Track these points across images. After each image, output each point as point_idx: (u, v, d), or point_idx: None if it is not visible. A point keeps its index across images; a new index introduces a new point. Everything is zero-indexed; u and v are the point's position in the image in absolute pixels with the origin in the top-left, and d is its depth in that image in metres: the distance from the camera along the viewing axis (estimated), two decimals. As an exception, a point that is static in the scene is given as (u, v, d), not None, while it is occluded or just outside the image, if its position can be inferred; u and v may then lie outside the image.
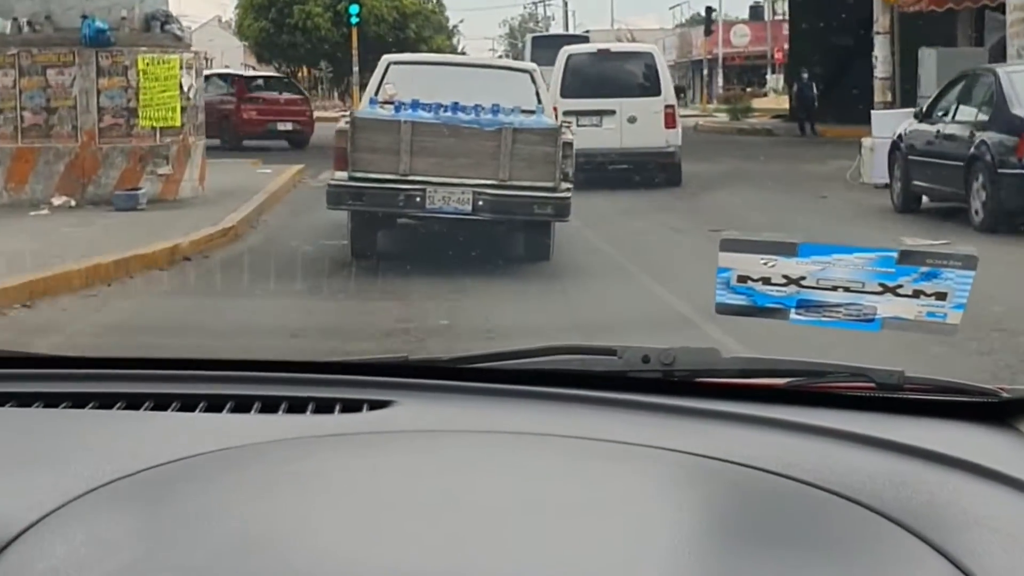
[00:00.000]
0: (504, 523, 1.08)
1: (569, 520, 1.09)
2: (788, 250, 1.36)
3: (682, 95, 56.07)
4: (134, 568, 0.96)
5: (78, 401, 1.37)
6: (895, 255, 1.34)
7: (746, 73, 49.29)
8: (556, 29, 60.73)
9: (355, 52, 35.29)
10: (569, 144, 8.42)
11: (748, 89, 46.37)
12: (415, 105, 8.42)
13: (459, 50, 60.64)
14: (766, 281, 1.37)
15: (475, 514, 1.10)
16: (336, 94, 44.14)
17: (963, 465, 1.23)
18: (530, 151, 8.18)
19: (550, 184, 8.13)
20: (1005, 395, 1.37)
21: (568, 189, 8.36)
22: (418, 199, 8.21)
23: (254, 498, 1.13)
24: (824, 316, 1.37)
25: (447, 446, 1.30)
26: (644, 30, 66.66)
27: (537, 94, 9.45)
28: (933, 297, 1.33)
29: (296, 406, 1.38)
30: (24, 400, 1.37)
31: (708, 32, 44.43)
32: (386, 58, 10.04)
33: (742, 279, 1.37)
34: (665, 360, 1.42)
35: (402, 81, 9.21)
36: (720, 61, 47.84)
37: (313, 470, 1.21)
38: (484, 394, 1.42)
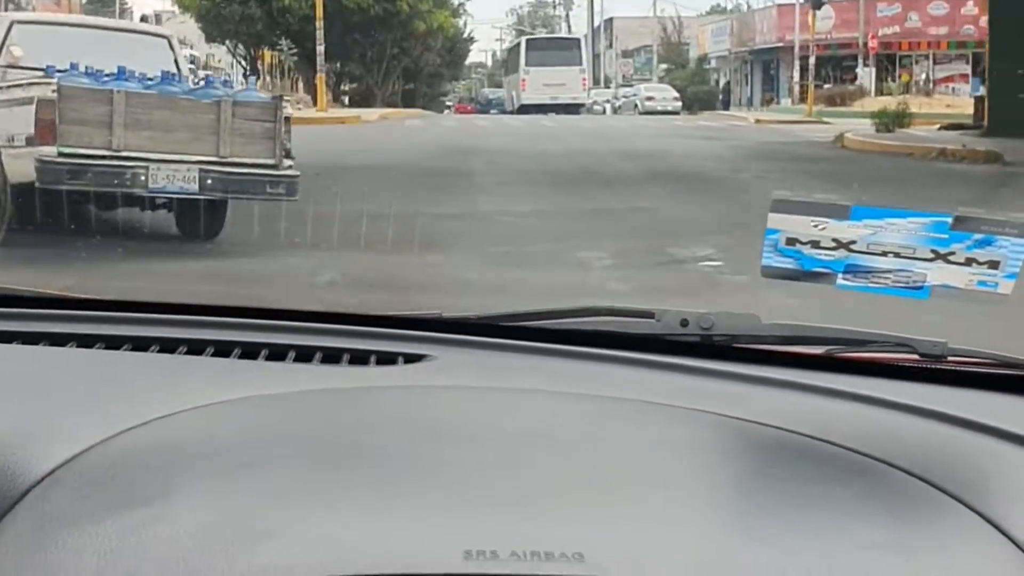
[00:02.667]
0: (539, 479, 1.14)
1: (606, 477, 1.15)
2: (840, 212, 1.41)
3: (725, 94, 53.63)
4: (177, 502, 1.04)
5: (112, 343, 1.48)
6: (949, 220, 1.39)
7: (826, 65, 44.31)
8: (579, 14, 57.50)
9: (319, 26, 30.52)
10: (289, 119, 8.91)
11: (842, 86, 41.50)
12: (69, 71, 8.34)
13: (467, 33, 56.70)
14: (815, 244, 1.42)
15: (511, 469, 1.16)
16: (303, 84, 39.21)
17: (1007, 436, 1.30)
18: (249, 126, 8.57)
19: (271, 161, 8.54)
20: None
21: (292, 167, 8.66)
22: (141, 177, 8.19)
23: (291, 445, 1.20)
24: (872, 282, 1.42)
25: (484, 401, 1.39)
26: (694, 16, 62.46)
27: (176, 61, 9.86)
28: (986, 265, 1.38)
29: (331, 356, 1.47)
30: (58, 340, 1.48)
31: (818, 5, 37.99)
32: (7, 16, 10.28)
33: (790, 241, 1.43)
34: (704, 324, 1.52)
35: (31, 43, 9.13)
36: (796, 50, 42.27)
37: (350, 420, 1.31)
38: (520, 352, 1.50)
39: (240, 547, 0.97)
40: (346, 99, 45.40)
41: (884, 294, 1.42)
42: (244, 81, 47.53)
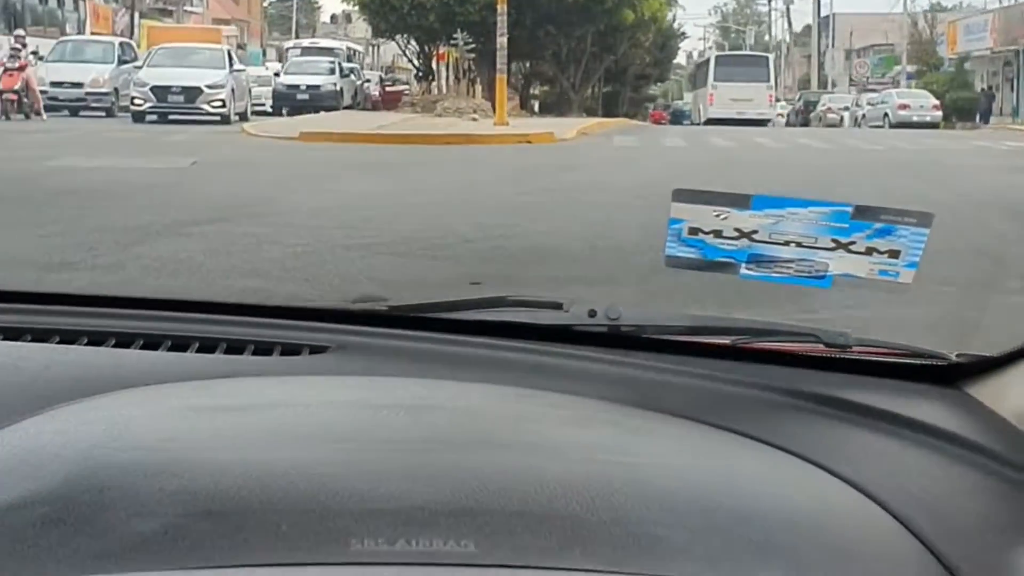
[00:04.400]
0: (442, 459, 1.15)
1: (510, 458, 1.17)
2: (741, 202, 1.46)
3: (986, 101, 46.84)
4: (54, 493, 1.04)
5: (8, 334, 1.51)
6: (850, 210, 1.44)
7: None
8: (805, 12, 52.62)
9: (502, 11, 24.29)
10: None
11: None
12: None
13: (678, 29, 50.70)
14: (717, 234, 1.46)
15: (412, 449, 1.17)
16: (484, 87, 33.09)
17: (911, 425, 1.35)
18: None
19: None
20: (955, 359, 1.50)
21: None
22: None
23: (188, 427, 1.22)
24: (775, 271, 1.47)
25: (387, 388, 1.40)
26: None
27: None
28: (886, 255, 1.43)
29: (235, 347, 1.50)
30: None
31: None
32: None
33: (693, 231, 1.47)
34: (612, 315, 1.54)
35: None
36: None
37: (243, 405, 1.31)
38: (426, 342, 1.52)
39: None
40: (535, 104, 39.36)
41: (787, 283, 1.47)
42: (417, 84, 43.19)
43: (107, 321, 1.57)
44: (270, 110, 34.02)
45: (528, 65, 38.53)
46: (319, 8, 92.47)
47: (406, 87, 44.42)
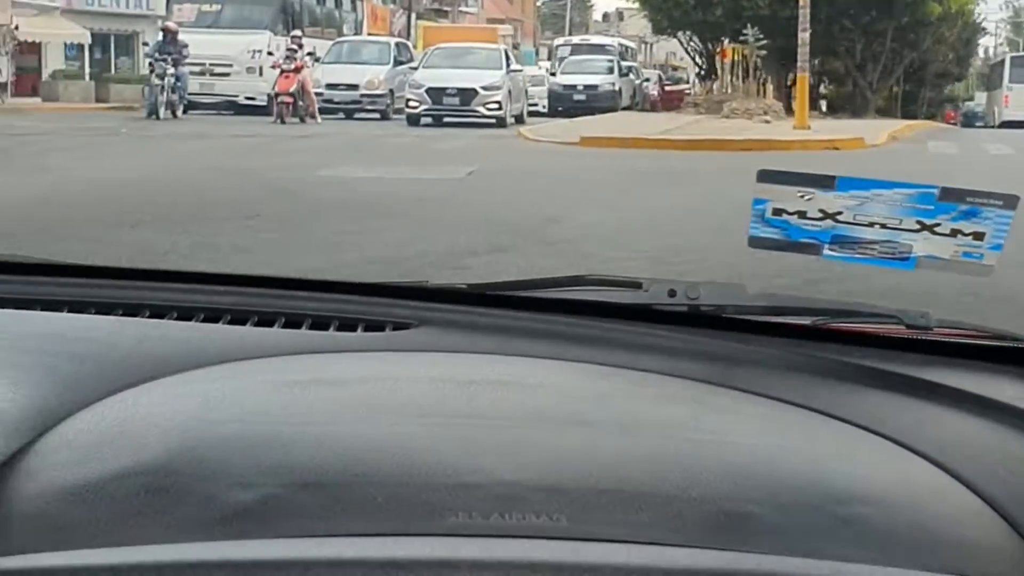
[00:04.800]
0: (530, 436, 1.17)
1: (597, 435, 1.18)
2: (826, 183, 1.45)
3: None
4: (158, 463, 1.08)
5: (102, 309, 1.54)
6: (936, 192, 1.42)
7: None
8: None
9: (804, 3, 22.27)
10: None
11: None
12: None
13: (979, 23, 47.52)
14: (802, 215, 1.46)
15: (500, 425, 1.19)
16: (772, 87, 31.02)
17: (993, 405, 1.33)
18: None
19: None
20: None
21: None
22: None
23: (281, 402, 1.24)
24: (858, 252, 1.46)
25: (466, 364, 1.41)
26: None
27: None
28: (971, 237, 1.42)
29: (319, 323, 1.52)
30: (50, 306, 1.54)
31: None
32: None
33: (777, 212, 1.46)
34: (691, 295, 1.52)
35: None
36: None
37: (332, 380, 1.33)
38: (505, 320, 1.53)
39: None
40: (823, 104, 37.01)
41: (870, 264, 1.47)
42: (699, 83, 41.44)
43: (195, 296, 1.58)
44: (543, 111, 32.92)
45: (818, 62, 36.20)
46: (591, 6, 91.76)
47: (686, 86, 42.74)
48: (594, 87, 34.76)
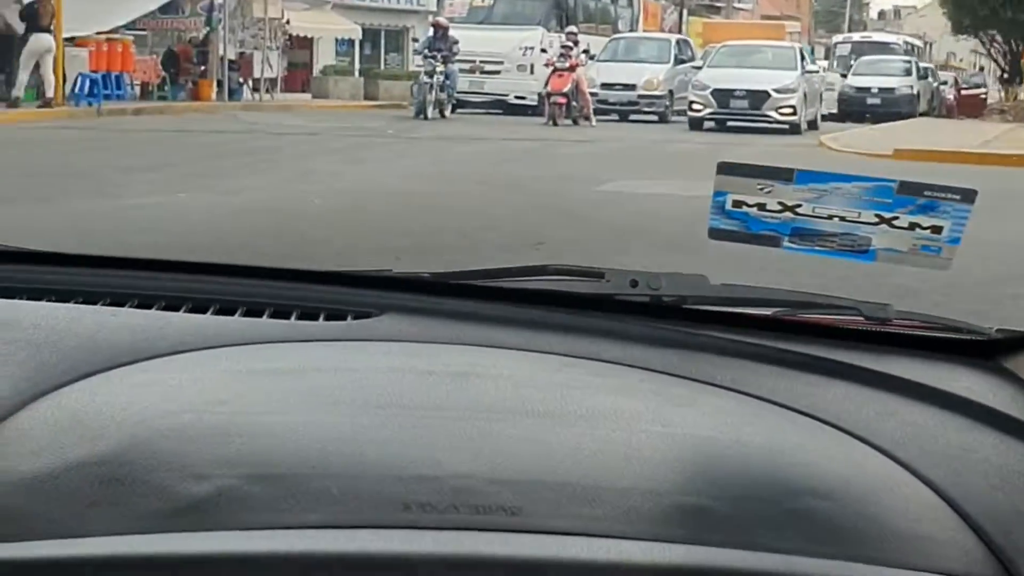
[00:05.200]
0: (487, 427, 1.18)
1: (554, 427, 1.19)
2: (785, 176, 1.48)
3: None
4: (114, 454, 1.08)
5: (61, 296, 1.50)
6: (894, 185, 1.46)
7: None
8: None
9: None
10: None
11: None
12: None
13: None
14: (761, 207, 1.48)
15: (458, 416, 1.20)
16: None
17: (951, 399, 1.35)
18: None
19: None
20: (995, 334, 1.51)
21: None
22: None
23: (238, 391, 1.24)
24: (817, 245, 1.48)
25: (427, 354, 1.40)
26: None
27: None
28: (929, 230, 1.45)
29: (280, 312, 1.50)
30: (8, 293, 1.50)
31: None
32: None
33: (737, 204, 1.49)
34: (653, 285, 1.54)
35: None
36: None
37: (292, 369, 1.33)
38: (468, 310, 1.53)
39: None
40: None
41: (829, 256, 1.49)
42: (1001, 87, 38.24)
43: (156, 284, 1.57)
44: (826, 115, 30.58)
45: None
46: (867, 4, 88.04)
47: (982, 90, 39.54)
48: (890, 90, 32.19)
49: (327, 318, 1.48)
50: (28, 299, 1.48)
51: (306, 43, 34.94)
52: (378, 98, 31.81)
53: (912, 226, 1.43)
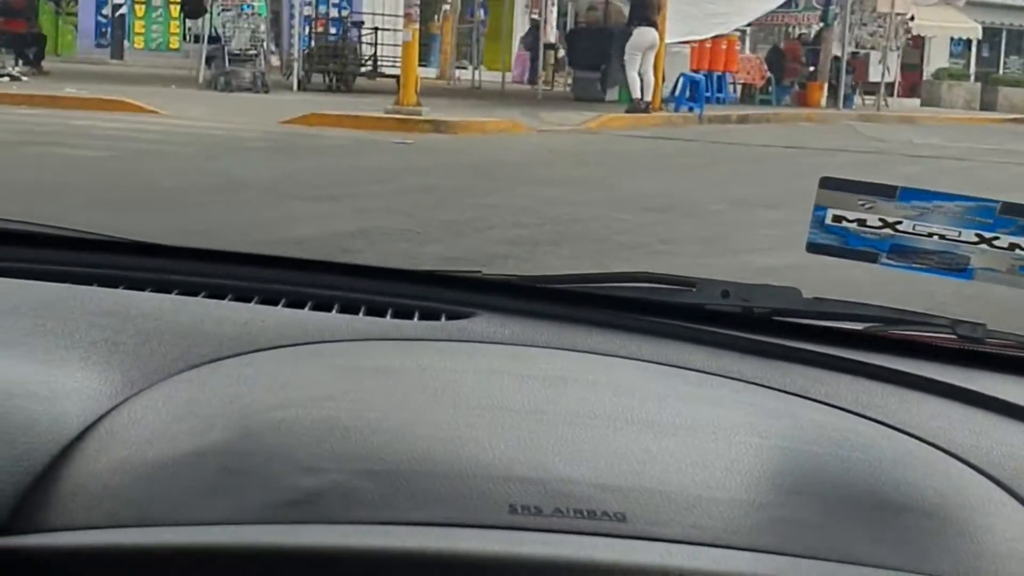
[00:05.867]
0: (588, 433, 1.17)
1: (655, 435, 1.20)
2: (888, 192, 1.49)
3: None
4: (227, 445, 1.09)
5: (160, 287, 1.54)
6: (996, 206, 1.46)
7: None
8: None
9: None
10: None
11: None
12: None
13: None
14: (861, 223, 1.50)
15: (558, 421, 1.20)
16: None
17: None
18: None
19: None
20: None
21: None
22: None
23: (343, 387, 1.25)
24: (916, 263, 1.50)
25: (524, 358, 1.41)
26: None
27: None
28: None
29: (375, 309, 1.52)
30: (108, 282, 1.54)
31: None
32: None
33: (837, 219, 1.51)
34: (744, 296, 1.57)
35: None
36: None
37: (392, 368, 1.34)
38: (560, 314, 1.54)
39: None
40: None
41: (927, 274, 1.48)
42: None
43: (251, 279, 1.58)
44: None
45: None
46: None
47: None
48: None
49: (421, 317, 1.50)
50: (128, 289, 1.51)
51: (918, 42, 31.15)
52: (996, 107, 27.70)
53: (1012, 247, 1.46)
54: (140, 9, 28.46)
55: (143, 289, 1.51)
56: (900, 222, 1.47)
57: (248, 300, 1.50)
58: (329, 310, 1.50)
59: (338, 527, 0.99)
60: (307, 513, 1.00)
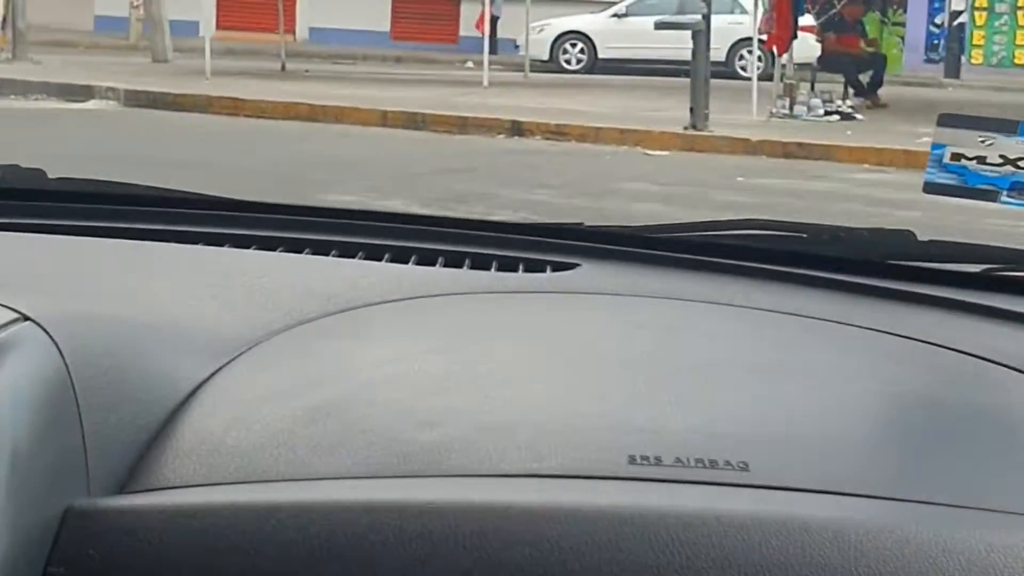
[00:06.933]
0: (705, 382, 1.18)
1: (773, 383, 1.18)
2: (1009, 128, 1.47)
3: None
4: (343, 400, 1.10)
5: (264, 244, 1.55)
6: None
7: None
8: None
9: None
10: None
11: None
12: None
13: None
14: (980, 160, 1.48)
15: (673, 370, 1.20)
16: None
17: None
18: None
19: None
20: None
21: None
22: None
23: (452, 342, 1.27)
24: None
25: (633, 308, 1.42)
26: None
27: None
28: None
29: (479, 263, 1.54)
30: (213, 240, 1.55)
31: None
32: None
33: (955, 157, 1.49)
34: (856, 240, 1.57)
35: None
36: None
37: (501, 321, 1.36)
38: (668, 263, 1.54)
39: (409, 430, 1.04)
40: None
41: None
42: None
43: (353, 234, 1.59)
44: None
45: None
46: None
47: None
48: None
49: (526, 270, 1.51)
50: (234, 247, 1.52)
51: None
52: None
53: None
54: (980, 16, 24.03)
55: (248, 247, 1.52)
56: (1022, 158, 1.46)
57: (352, 256, 1.53)
58: (433, 264, 1.51)
59: (454, 479, 0.98)
60: (424, 466, 0.99)
